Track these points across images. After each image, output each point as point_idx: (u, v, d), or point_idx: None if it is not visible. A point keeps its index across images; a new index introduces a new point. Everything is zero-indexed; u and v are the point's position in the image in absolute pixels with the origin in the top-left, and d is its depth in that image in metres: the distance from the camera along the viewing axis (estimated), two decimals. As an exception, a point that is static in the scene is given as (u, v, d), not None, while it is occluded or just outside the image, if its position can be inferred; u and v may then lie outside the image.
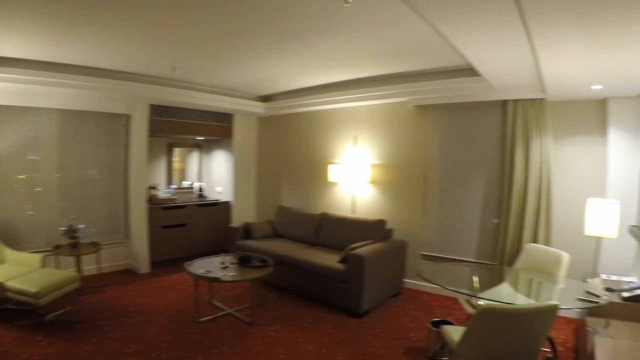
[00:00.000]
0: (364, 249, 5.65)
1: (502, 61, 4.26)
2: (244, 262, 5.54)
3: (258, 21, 4.18)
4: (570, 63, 3.94)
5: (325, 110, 7.88)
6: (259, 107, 8.63)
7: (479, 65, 4.45)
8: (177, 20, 4.22)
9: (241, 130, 9.00)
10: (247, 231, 7.38)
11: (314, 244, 7.03)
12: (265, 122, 9.16)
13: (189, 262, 5.54)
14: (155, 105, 7.45)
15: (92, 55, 5.52)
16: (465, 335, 3.10)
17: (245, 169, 9.16)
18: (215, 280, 5.08)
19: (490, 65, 4.47)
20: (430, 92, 6.32)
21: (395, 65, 6.00)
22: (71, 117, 7.00)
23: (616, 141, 5.41)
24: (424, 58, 5.50)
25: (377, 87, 6.71)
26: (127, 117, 7.43)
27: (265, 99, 8.64)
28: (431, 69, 6.34)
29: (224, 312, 5.53)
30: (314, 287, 5.97)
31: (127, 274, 7.30)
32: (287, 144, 8.73)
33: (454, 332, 3.41)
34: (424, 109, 6.76)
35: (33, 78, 5.68)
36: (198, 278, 5.14)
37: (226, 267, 5.42)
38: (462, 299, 4.58)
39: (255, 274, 5.25)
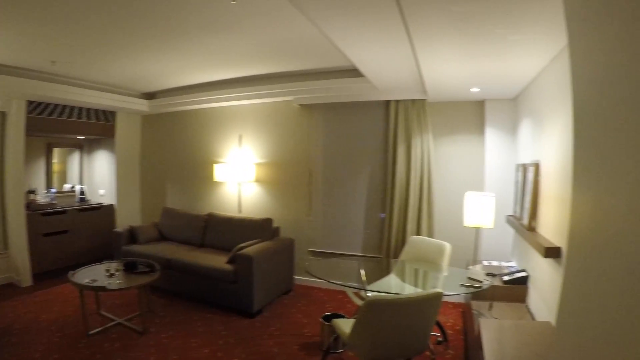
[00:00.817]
0: (251, 248, 6.08)
1: (385, 64, 4.59)
2: (130, 268, 5.70)
3: (141, 16, 4.40)
4: (450, 67, 4.40)
5: (211, 108, 8.37)
6: (143, 105, 8.90)
7: (362, 67, 4.77)
8: (56, 10, 4.20)
9: (124, 129, 9.14)
10: (132, 235, 7.50)
11: (201, 245, 7.44)
12: (150, 121, 9.40)
13: (72, 272, 5.48)
14: (33, 102, 7.27)
15: None
16: (354, 327, 3.26)
17: (128, 170, 9.31)
18: (101, 289, 5.08)
19: (373, 68, 4.79)
20: (315, 92, 6.97)
21: (281, 65, 6.53)
22: None
23: (492, 140, 6.55)
24: (309, 58, 6.13)
25: (263, 85, 7.29)
26: (2, 115, 7.15)
27: (150, 96, 9.01)
28: (316, 69, 6.79)
29: (113, 322, 5.58)
30: (204, 289, 6.23)
31: (8, 289, 7.05)
32: (173, 143, 9.08)
33: (345, 325, 3.61)
34: (308, 108, 7.39)
35: None
36: (83, 288, 5.13)
37: (112, 274, 5.47)
38: (350, 292, 4.81)
39: (143, 280, 5.39)
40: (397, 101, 6.44)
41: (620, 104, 1.15)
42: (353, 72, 6.02)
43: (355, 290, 5.01)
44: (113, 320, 5.62)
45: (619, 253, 1.13)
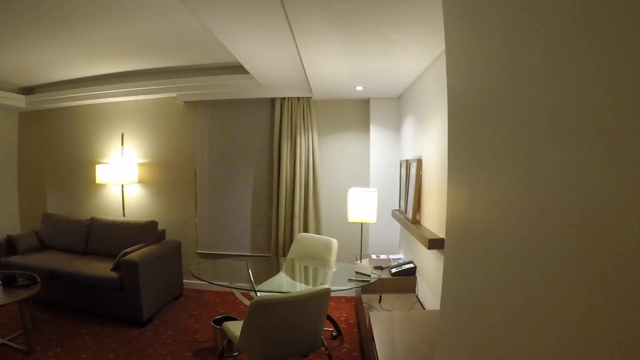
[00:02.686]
0: (136, 253, 5.92)
1: (270, 61, 4.66)
2: (8, 282, 5.19)
3: (17, 5, 3.92)
4: (333, 66, 4.51)
5: (93, 105, 7.92)
6: (19, 100, 8.00)
7: (247, 64, 4.89)
8: None
9: (-5, 128, 8.34)
10: (10, 245, 6.97)
11: (84, 253, 7.13)
12: (29, 118, 8.62)
13: None
14: None
15: None
16: (243, 330, 3.32)
17: (4, 173, 8.43)
18: None
19: (258, 65, 4.87)
20: (200, 88, 6.90)
21: (165, 59, 6.41)
22: None
23: (377, 137, 6.69)
24: (194, 53, 6.10)
25: (146, 81, 7.06)
26: None
27: (28, 91, 8.16)
28: (202, 65, 6.97)
29: None
30: (90, 300, 6.02)
31: None
32: (53, 142, 8.43)
33: (235, 328, 3.69)
34: (193, 105, 7.33)
35: None
36: None
37: None
38: (238, 293, 4.75)
39: (23, 294, 5.02)
40: (283, 99, 6.57)
41: (487, 100, 1.24)
42: (239, 69, 6.00)
43: (245, 291, 5.00)
44: (-8, 341, 5.27)
45: (489, 240, 1.22)
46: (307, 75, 5.06)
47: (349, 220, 5.62)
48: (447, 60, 1.76)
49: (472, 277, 1.41)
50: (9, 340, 5.22)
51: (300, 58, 4.28)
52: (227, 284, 4.76)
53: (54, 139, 8.48)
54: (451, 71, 1.72)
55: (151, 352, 4.91)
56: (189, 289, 7.14)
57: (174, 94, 7.09)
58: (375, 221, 5.53)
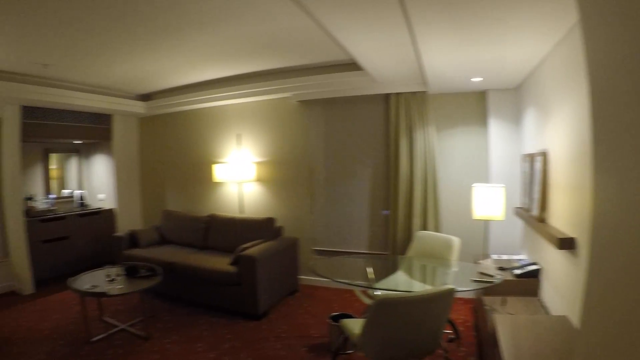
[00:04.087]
0: (254, 249, 5.98)
1: (384, 56, 4.53)
2: (131, 273, 5.63)
3: (133, 15, 4.36)
4: (449, 56, 4.32)
5: (208, 108, 8.27)
6: (139, 107, 8.78)
7: (361, 60, 4.71)
8: (47, 13, 4.13)
9: (121, 132, 9.06)
10: (133, 239, 7.42)
11: (203, 247, 7.33)
12: (147, 123, 9.35)
13: (73, 278, 5.43)
14: (28, 107, 7.24)
15: None
16: (364, 327, 3.16)
17: (128, 173, 9.25)
18: (102, 295, 5.02)
19: (372, 60, 4.75)
20: (314, 87, 6.87)
21: (277, 60, 6.44)
22: None
23: (496, 130, 6.36)
24: (306, 52, 6.05)
25: (260, 82, 7.16)
26: None
27: (146, 97, 8.87)
28: (314, 64, 6.63)
29: (116, 329, 5.51)
30: (207, 293, 6.14)
31: (9, 297, 7.07)
32: (171, 144, 9.04)
33: (354, 325, 3.50)
34: (307, 104, 7.31)
35: None
36: (84, 294, 5.08)
37: (113, 279, 5.42)
38: (357, 290, 4.62)
39: (144, 284, 5.29)
40: (398, 94, 6.35)
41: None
42: (352, 66, 5.95)
43: (363, 289, 4.89)
44: (116, 326, 5.57)
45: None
46: (423, 67, 4.87)
47: (474, 217, 5.38)
48: (584, 36, 1.56)
49: (626, 285, 1.22)
50: (129, 326, 5.55)
51: (416, 49, 4.12)
52: (347, 281, 4.65)
53: (171, 141, 8.99)
54: (591, 48, 1.52)
55: (265, 345, 4.94)
56: (304, 285, 7.12)
57: (288, 94, 7.13)
58: (502, 218, 5.27)
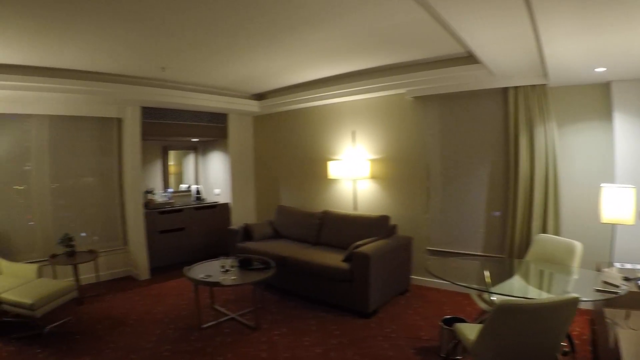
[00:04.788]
0: (368, 246, 5.82)
1: (504, 46, 4.34)
2: (245, 264, 5.79)
3: (247, 16, 4.37)
4: (573, 43, 3.93)
5: (321, 105, 8.34)
6: (253, 106, 9.07)
7: (479, 52, 4.55)
8: (166, 20, 4.34)
9: (236, 130, 9.42)
10: (247, 233, 7.69)
11: (316, 243, 7.34)
12: (261, 121, 9.67)
13: (188, 267, 5.67)
14: (147, 107, 7.79)
15: (79, 58, 5.64)
16: (481, 333, 3.02)
17: (242, 170, 9.61)
18: (216, 284, 5.19)
19: (491, 51, 4.57)
20: (429, 82, 6.60)
21: (391, 56, 6.27)
22: (62, 124, 7.24)
23: (622, 125, 5.77)
24: (420, 47, 5.83)
25: (374, 79, 7.01)
26: (118, 121, 7.84)
27: (260, 96, 9.14)
28: (428, 59, 6.37)
29: (226, 317, 5.69)
30: (318, 288, 6.14)
31: (126, 281, 7.67)
32: (284, 142, 9.21)
33: (469, 330, 3.34)
34: (422, 100, 7.02)
35: (20, 84, 5.80)
36: (198, 283, 5.27)
37: (227, 270, 5.57)
38: (474, 294, 4.37)
39: (257, 276, 5.40)
40: (516, 88, 5.96)
41: None
42: (466, 59, 5.81)
43: (478, 293, 4.67)
44: (226, 315, 5.74)
45: None
46: (544, 59, 4.59)
47: (603, 221, 4.99)
48: None
49: None
50: (238, 315, 5.70)
51: (538, 37, 3.88)
52: (465, 284, 4.45)
53: (285, 139, 9.17)
54: None
55: (373, 344, 4.83)
56: (415, 285, 6.93)
57: (402, 90, 6.94)
58: (633, 222, 4.86)
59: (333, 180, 8.11)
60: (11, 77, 5.65)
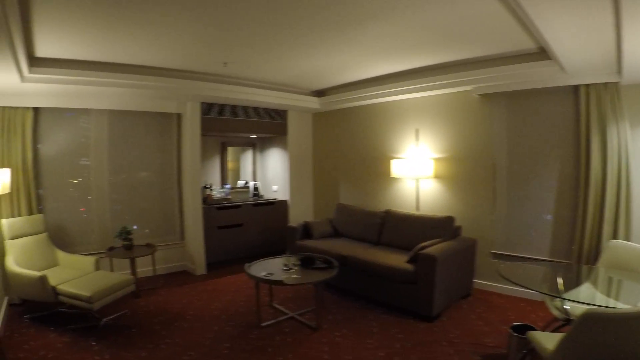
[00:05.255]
0: (434, 247, 5.69)
1: (580, 38, 4.18)
2: (307, 263, 5.69)
3: (314, 9, 4.23)
4: None
5: (384, 103, 8.13)
6: (313, 102, 8.98)
7: (554, 44, 4.40)
8: (232, 10, 4.22)
9: (295, 127, 9.38)
10: (306, 231, 7.66)
11: (377, 243, 7.20)
12: (320, 118, 9.63)
13: (248, 264, 5.66)
14: (207, 103, 7.80)
15: (141, 53, 5.66)
16: (562, 343, 2.83)
17: (301, 167, 9.57)
18: (278, 283, 5.13)
19: (565, 44, 4.40)
20: (496, 79, 6.32)
21: (457, 52, 6.02)
22: (121, 118, 7.45)
23: None
24: (489, 42, 5.52)
25: (438, 75, 6.77)
26: (178, 117, 8.01)
27: (320, 93, 9.00)
28: (496, 54, 6.27)
29: (286, 316, 5.64)
30: (380, 289, 5.98)
31: (182, 276, 7.73)
32: (344, 139, 9.10)
33: (546, 340, 3.16)
34: (489, 98, 6.77)
35: (81, 78, 5.87)
36: (259, 281, 5.23)
37: (289, 268, 5.49)
38: (549, 301, 4.15)
39: (321, 276, 5.31)
40: (587, 85, 5.63)
41: None
42: (535, 56, 5.59)
43: (552, 300, 4.45)
44: (285, 313, 5.70)
45: None
46: (622, 55, 4.33)
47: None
48: None
49: None
50: (298, 314, 5.64)
51: (618, 33, 3.68)
52: (543, 290, 4.24)
53: (345, 136, 9.08)
54: None
55: (437, 349, 4.68)
56: (477, 289, 6.71)
57: (468, 87, 6.70)
58: None
59: (394, 179, 7.95)
60: (72, 72, 5.69)
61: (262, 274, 5.23)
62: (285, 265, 5.56)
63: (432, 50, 5.85)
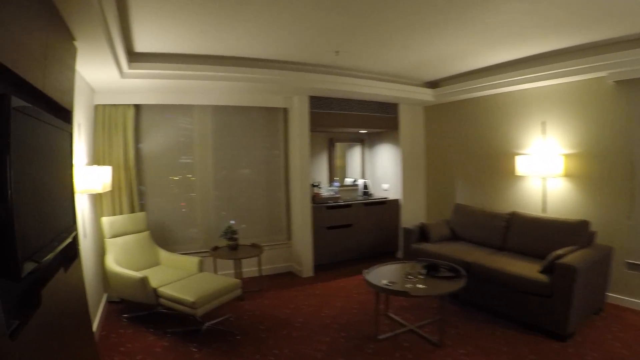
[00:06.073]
0: (572, 257, 5.08)
1: None
2: (431, 271, 5.12)
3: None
4: None
5: (504, 93, 7.42)
6: (426, 94, 8.39)
7: None
8: (339, 1, 4.04)
9: (407, 121, 8.90)
10: (422, 233, 7.14)
11: (501, 248, 6.57)
12: (433, 111, 9.06)
13: (367, 270, 5.26)
14: (315, 96, 7.57)
15: (245, 45, 5.52)
16: None
17: (412, 164, 9.03)
18: (403, 294, 4.66)
19: None
20: (635, 64, 5.47)
21: (591, 33, 5.30)
22: (225, 114, 7.40)
23: None
24: (630, 20, 4.76)
25: (567, 61, 6.06)
26: (284, 111, 7.85)
27: (433, 85, 8.47)
28: (633, 35, 5.50)
29: (404, 329, 5.18)
30: (506, 300, 5.41)
31: (288, 278, 7.54)
32: (460, 134, 8.47)
33: None
34: (627, 85, 5.84)
35: (182, 72, 5.80)
36: (381, 291, 4.79)
37: (412, 277, 4.97)
38: None
39: (448, 287, 4.78)
40: None
41: None
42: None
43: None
44: (403, 325, 5.25)
45: None
46: None
47: None
48: None
49: None
50: (417, 327, 5.14)
51: None
52: None
53: (460, 130, 8.46)
54: None
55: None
56: (609, 303, 5.94)
57: (602, 73, 5.91)
58: None
59: (518, 178, 7.21)
60: (173, 66, 5.67)
61: (383, 282, 4.79)
62: (408, 273, 5.06)
63: (564, 32, 5.23)
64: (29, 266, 2.09)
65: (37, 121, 2.46)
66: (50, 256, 2.58)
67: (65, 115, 3.54)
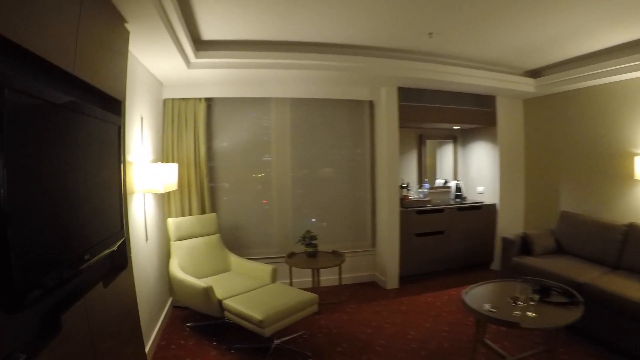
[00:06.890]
0: None
1: None
2: (542, 294, 4.18)
3: None
4: None
5: (621, 82, 6.18)
6: (527, 85, 7.24)
7: None
8: None
9: (505, 116, 7.90)
10: (524, 244, 6.36)
11: (616, 266, 5.56)
12: (533, 104, 7.92)
13: (465, 291, 4.41)
14: (404, 88, 6.87)
15: (324, 29, 4.95)
16: None
17: (510, 165, 8.02)
18: (512, 325, 3.74)
19: None
20: None
21: None
22: (305, 108, 7.01)
23: None
24: None
25: None
26: (370, 104, 7.27)
27: (534, 74, 7.28)
28: None
29: None
30: (626, 334, 4.36)
31: (371, 289, 6.91)
32: (565, 130, 7.29)
33: None
34: None
35: (255, 61, 5.33)
36: (484, 319, 4.01)
37: (519, 302, 4.06)
38: None
39: (564, 317, 3.83)
40: None
41: None
42: None
43: None
44: (502, 356, 4.33)
45: None
46: None
47: None
48: None
49: None
50: (519, 358, 4.29)
51: None
52: None
53: (565, 126, 7.35)
54: None
55: None
56: None
57: None
58: None
59: (636, 182, 6.08)
60: (245, 54, 5.23)
61: (485, 307, 3.96)
62: (514, 296, 4.18)
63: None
64: (34, 294, 1.71)
65: (56, 109, 2.04)
66: (78, 273, 2.24)
67: (112, 105, 3.18)
